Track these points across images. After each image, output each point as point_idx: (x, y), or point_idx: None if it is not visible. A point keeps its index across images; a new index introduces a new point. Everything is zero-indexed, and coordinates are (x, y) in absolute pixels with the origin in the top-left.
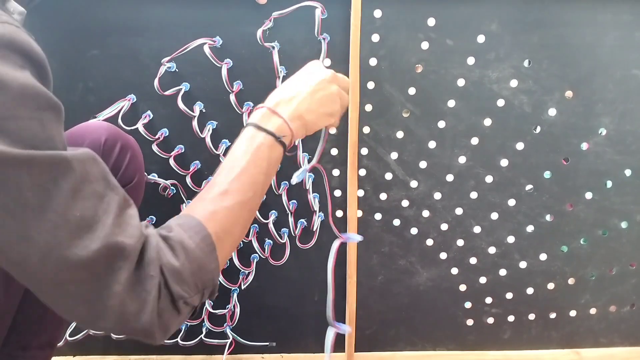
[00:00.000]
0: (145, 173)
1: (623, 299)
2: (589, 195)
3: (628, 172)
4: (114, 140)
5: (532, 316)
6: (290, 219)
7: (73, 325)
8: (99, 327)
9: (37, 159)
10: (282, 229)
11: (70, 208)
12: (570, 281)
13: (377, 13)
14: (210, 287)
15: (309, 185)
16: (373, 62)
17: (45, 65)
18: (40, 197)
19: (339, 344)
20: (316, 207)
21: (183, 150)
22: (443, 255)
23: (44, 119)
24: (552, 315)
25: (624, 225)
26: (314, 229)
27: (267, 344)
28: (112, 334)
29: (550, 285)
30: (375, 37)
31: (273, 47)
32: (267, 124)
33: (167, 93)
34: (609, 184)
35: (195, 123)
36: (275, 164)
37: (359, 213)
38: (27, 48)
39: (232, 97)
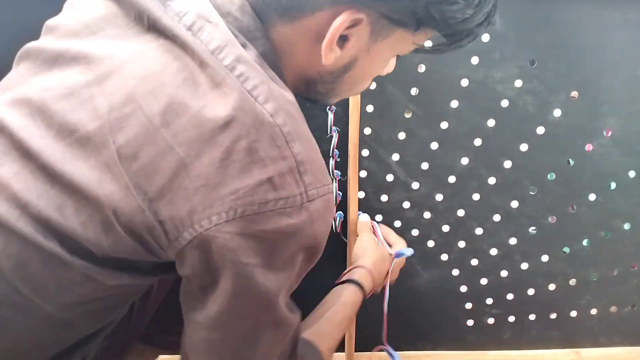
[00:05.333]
0: None
1: (624, 300)
2: (592, 197)
3: (632, 174)
4: None
5: (532, 316)
6: None
7: None
8: None
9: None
10: None
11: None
12: (572, 282)
13: None
14: None
15: None
16: None
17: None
18: (268, 348)
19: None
20: None
21: None
22: (444, 257)
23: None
24: (553, 316)
25: (626, 226)
26: None
27: None
28: None
29: (552, 286)
30: None
31: None
32: (364, 283)
33: None
34: (613, 185)
35: None
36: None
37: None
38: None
39: None
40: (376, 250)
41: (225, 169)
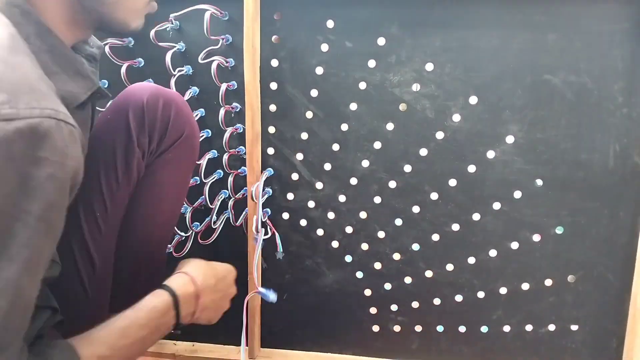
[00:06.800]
0: None
1: (539, 318)
2: (497, 205)
3: (539, 182)
4: (155, 98)
5: (440, 328)
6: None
7: None
8: None
9: None
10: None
11: None
12: (480, 295)
13: (277, 15)
14: None
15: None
16: (275, 63)
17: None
18: None
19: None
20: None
21: None
22: (348, 258)
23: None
24: (462, 329)
25: (535, 238)
26: (215, 227)
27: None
28: None
29: (459, 298)
30: (276, 38)
31: (179, 48)
32: (184, 305)
33: None
34: (518, 194)
35: None
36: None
37: (268, 212)
38: (52, 149)
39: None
40: (209, 266)
41: None
